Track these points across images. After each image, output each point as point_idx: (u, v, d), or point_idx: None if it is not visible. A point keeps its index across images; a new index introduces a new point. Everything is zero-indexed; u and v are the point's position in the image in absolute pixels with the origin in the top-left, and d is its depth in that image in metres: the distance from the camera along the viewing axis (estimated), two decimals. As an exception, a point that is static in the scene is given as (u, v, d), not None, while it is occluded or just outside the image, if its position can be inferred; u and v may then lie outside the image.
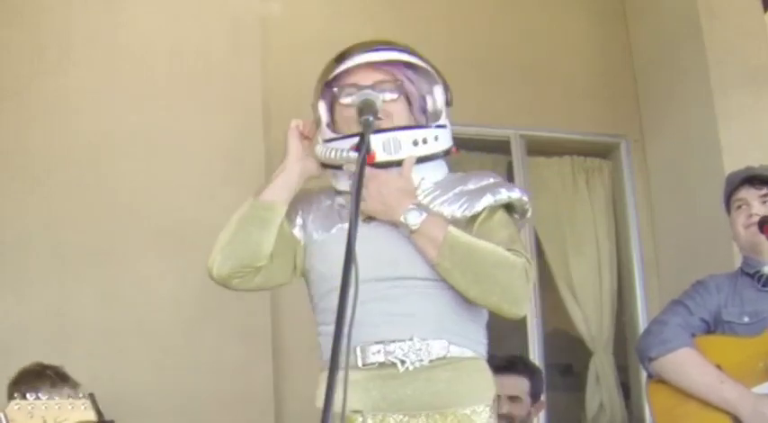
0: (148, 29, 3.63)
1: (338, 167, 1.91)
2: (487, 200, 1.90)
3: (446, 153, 1.97)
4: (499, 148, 4.22)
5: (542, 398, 3.30)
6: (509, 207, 1.96)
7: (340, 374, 1.61)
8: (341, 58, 1.97)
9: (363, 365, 1.79)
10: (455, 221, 1.87)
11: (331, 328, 1.80)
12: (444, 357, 1.80)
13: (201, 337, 3.36)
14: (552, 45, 4.29)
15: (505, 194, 1.93)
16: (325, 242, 1.92)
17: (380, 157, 1.84)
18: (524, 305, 1.86)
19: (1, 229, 3.31)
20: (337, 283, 1.76)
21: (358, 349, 1.80)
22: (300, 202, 2.01)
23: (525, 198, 1.97)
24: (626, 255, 4.26)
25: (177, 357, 3.31)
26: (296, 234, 1.97)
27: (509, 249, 1.85)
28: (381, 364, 1.79)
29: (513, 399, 3.15)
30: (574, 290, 4.21)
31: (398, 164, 1.87)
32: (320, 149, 1.92)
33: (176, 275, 3.39)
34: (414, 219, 1.81)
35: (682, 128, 4.00)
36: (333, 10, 3.99)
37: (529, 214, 2.01)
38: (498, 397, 3.16)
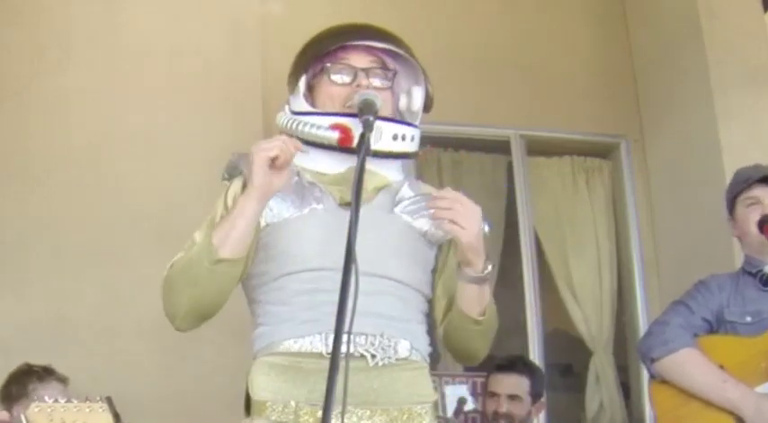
0: (148, 29, 3.63)
1: (308, 143, 1.80)
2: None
3: (412, 156, 1.92)
4: (499, 148, 4.22)
5: (543, 399, 3.30)
6: None
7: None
8: (337, 34, 1.96)
9: (328, 354, 1.70)
10: (426, 237, 1.85)
11: (285, 309, 1.83)
12: (407, 359, 1.79)
13: (201, 337, 3.35)
14: (552, 45, 4.29)
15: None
16: (297, 221, 1.81)
17: (358, 140, 1.72)
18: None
19: (1, 229, 3.31)
20: (311, 265, 1.77)
21: (324, 336, 1.75)
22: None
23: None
24: (626, 255, 4.26)
25: (177, 357, 3.31)
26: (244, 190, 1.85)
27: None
28: (348, 355, 1.67)
29: (512, 397, 3.16)
30: (574, 290, 4.21)
31: (374, 153, 1.76)
32: (288, 120, 1.84)
33: (176, 275, 3.39)
34: (489, 269, 1.80)
35: (682, 128, 4.00)
36: (333, 10, 3.99)
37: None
38: (498, 396, 3.20)
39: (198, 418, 3.25)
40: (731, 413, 2.34)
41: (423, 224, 1.85)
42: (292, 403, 1.75)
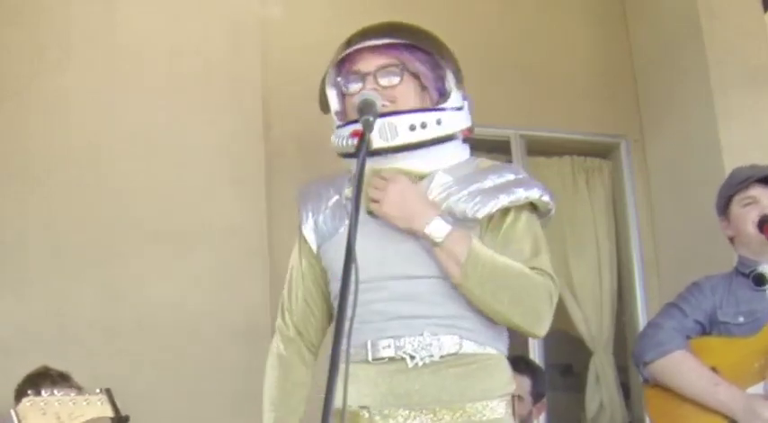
0: (148, 29, 3.63)
1: (346, 155, 1.88)
2: (501, 201, 1.84)
3: (452, 137, 1.93)
4: (499, 148, 4.21)
5: (545, 399, 3.32)
6: (533, 205, 1.92)
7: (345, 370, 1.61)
8: (347, 43, 1.94)
9: (373, 360, 1.77)
10: (467, 221, 1.81)
11: (355, 325, 1.83)
12: (456, 353, 1.77)
13: (201, 337, 3.36)
14: (552, 45, 4.29)
15: (522, 195, 1.88)
16: (337, 242, 1.87)
17: (377, 143, 1.78)
18: (545, 326, 1.86)
19: (1, 229, 3.31)
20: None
21: (369, 343, 1.78)
22: (310, 200, 1.98)
23: (546, 197, 1.95)
24: (626, 255, 4.26)
25: (177, 357, 3.31)
26: (306, 235, 1.96)
27: (533, 267, 1.82)
28: (391, 359, 1.76)
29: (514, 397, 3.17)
30: (574, 290, 4.21)
31: (395, 150, 1.81)
32: (333, 138, 1.91)
33: (176, 275, 3.39)
34: (438, 232, 1.76)
35: (682, 128, 4.00)
36: (333, 11, 3.99)
37: (552, 213, 1.98)
38: None
39: (198, 418, 3.25)
40: (724, 416, 2.34)
41: (453, 205, 1.82)
42: (354, 408, 1.76)
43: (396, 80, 1.88)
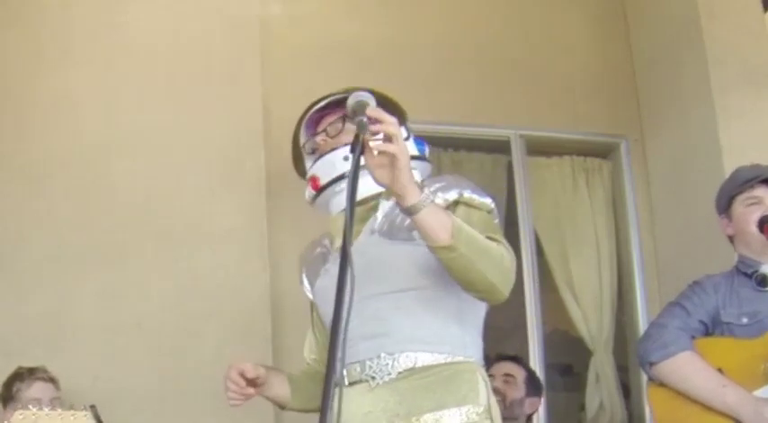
0: (148, 29, 3.63)
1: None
2: (439, 197, 1.90)
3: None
4: (499, 148, 4.21)
5: (538, 401, 3.42)
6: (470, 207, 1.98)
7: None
8: (300, 120, 2.17)
9: (350, 384, 1.88)
10: (414, 236, 1.89)
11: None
12: (412, 368, 1.84)
13: (201, 337, 3.36)
14: (552, 45, 4.28)
15: (457, 192, 1.95)
16: (318, 285, 2.07)
17: (324, 180, 2.02)
18: (509, 291, 1.89)
19: (1, 230, 3.31)
20: (327, 321, 1.98)
21: (345, 371, 1.87)
22: (303, 262, 2.18)
23: (469, 193, 1.96)
24: (626, 255, 4.25)
25: (177, 357, 3.31)
26: (306, 290, 2.15)
27: (488, 237, 1.85)
28: (360, 381, 1.88)
29: (507, 377, 3.33)
30: (574, 290, 4.21)
31: (337, 180, 1.98)
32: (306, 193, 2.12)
33: (176, 275, 3.39)
34: (426, 197, 1.74)
35: (682, 128, 4.00)
36: (332, 10, 3.99)
37: (494, 209, 2.01)
38: (493, 376, 3.29)
39: (198, 418, 3.25)
40: (730, 417, 2.33)
41: (402, 219, 1.89)
42: None
43: (339, 127, 2.05)
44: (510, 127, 4.17)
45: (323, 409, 1.50)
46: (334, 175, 2.00)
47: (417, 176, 1.98)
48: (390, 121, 1.68)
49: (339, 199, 2.01)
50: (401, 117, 2.07)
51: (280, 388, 2.09)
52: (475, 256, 1.78)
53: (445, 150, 4.19)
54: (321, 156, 2.05)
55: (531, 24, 4.28)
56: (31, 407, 1.74)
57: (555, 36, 4.30)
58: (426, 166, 2.13)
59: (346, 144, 1.86)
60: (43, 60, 3.50)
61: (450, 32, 4.12)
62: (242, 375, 1.99)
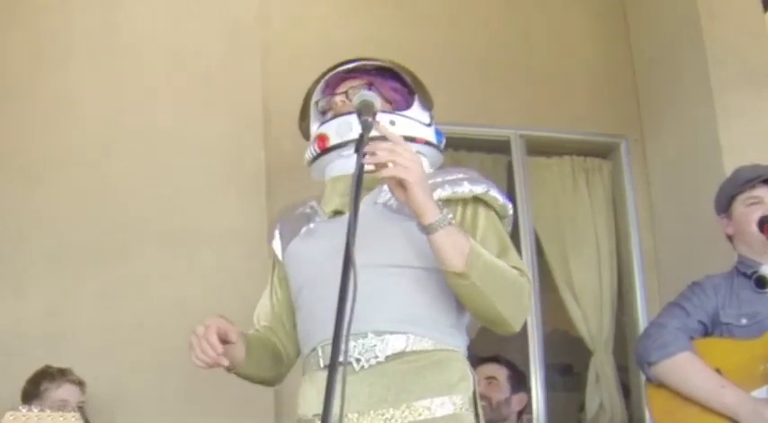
0: (148, 29, 3.63)
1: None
2: (445, 191, 1.84)
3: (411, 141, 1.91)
4: (499, 148, 4.21)
5: (525, 395, 3.44)
6: (488, 205, 1.90)
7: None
8: (320, 78, 2.06)
9: (325, 366, 1.74)
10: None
11: (300, 328, 1.90)
12: (402, 351, 1.75)
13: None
14: (552, 45, 4.28)
15: (467, 188, 1.87)
16: (295, 244, 1.95)
17: (333, 140, 1.91)
18: (521, 324, 1.86)
19: (1, 230, 3.31)
20: (302, 280, 1.88)
21: (320, 349, 1.80)
22: (279, 219, 2.07)
23: (494, 193, 1.90)
24: (626, 255, 4.25)
25: (177, 358, 3.29)
26: (275, 247, 2.04)
27: (513, 266, 1.79)
28: (340, 364, 1.69)
29: (489, 379, 3.32)
30: (574, 290, 4.21)
31: (351, 143, 1.84)
32: (308, 152, 2.01)
33: (176, 275, 3.39)
34: (444, 217, 1.68)
35: (682, 128, 4.00)
36: (333, 10, 3.99)
37: (510, 213, 1.95)
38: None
39: (198, 419, 3.25)
40: (729, 418, 2.33)
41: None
42: (308, 417, 1.81)
43: (363, 81, 2.00)
44: (510, 127, 4.17)
45: (327, 398, 1.44)
46: (347, 137, 1.88)
47: (427, 166, 1.93)
48: (388, 147, 1.63)
49: (343, 163, 1.89)
50: (426, 102, 2.06)
51: (238, 349, 1.89)
52: (489, 287, 1.72)
53: (445, 150, 4.18)
54: (337, 116, 1.95)
55: (531, 24, 4.28)
56: (21, 408, 1.75)
57: (555, 36, 4.30)
58: (438, 157, 2.07)
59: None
60: (43, 60, 3.50)
61: (451, 33, 4.12)
62: (224, 339, 1.79)
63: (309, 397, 1.83)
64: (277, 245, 2.03)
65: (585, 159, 4.36)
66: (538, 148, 4.28)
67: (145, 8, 3.65)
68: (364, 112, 1.71)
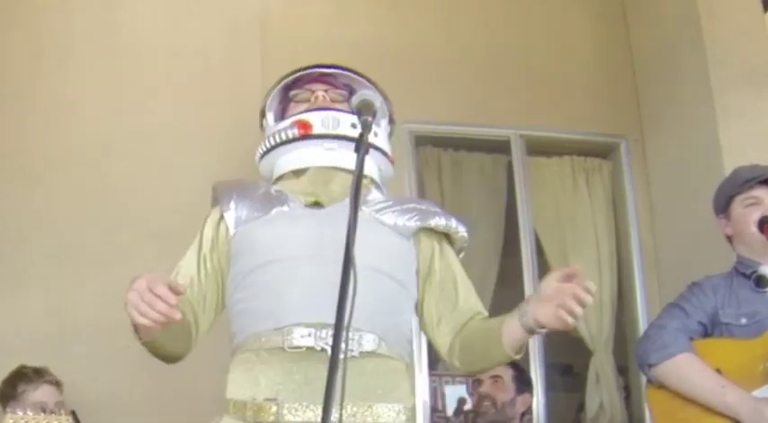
0: (148, 29, 3.64)
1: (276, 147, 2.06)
2: (439, 221, 1.98)
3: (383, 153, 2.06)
4: (499, 148, 4.22)
5: (530, 397, 3.44)
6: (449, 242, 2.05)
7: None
8: (297, 70, 2.13)
9: (289, 348, 1.76)
10: (397, 229, 1.92)
11: (256, 304, 1.87)
12: (374, 351, 1.80)
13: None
14: (552, 45, 4.29)
15: (453, 223, 2.02)
16: (262, 222, 1.94)
17: (318, 130, 1.97)
18: None
19: (1, 230, 3.31)
20: (272, 256, 1.86)
21: (285, 330, 1.78)
22: (235, 189, 2.07)
23: (464, 234, 2.06)
24: (626, 255, 4.25)
25: (177, 357, 3.30)
26: (227, 220, 2.01)
27: (483, 316, 2.01)
28: (309, 349, 1.75)
29: (494, 379, 3.33)
30: (574, 290, 4.20)
31: (335, 137, 1.95)
32: (260, 147, 2.11)
33: (176, 275, 3.39)
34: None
35: (682, 128, 4.00)
36: (333, 10, 3.99)
37: (463, 250, 2.10)
38: (482, 380, 3.29)
39: (197, 419, 3.24)
40: (730, 418, 2.33)
41: (389, 218, 1.93)
42: (259, 401, 1.79)
43: (343, 100, 2.08)
44: (510, 127, 4.17)
45: (328, 387, 1.44)
46: (335, 132, 1.98)
47: (387, 170, 2.09)
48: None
49: (328, 155, 1.98)
50: (392, 115, 2.14)
51: None
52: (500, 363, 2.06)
53: (445, 150, 4.19)
54: (322, 108, 2.03)
55: (531, 24, 4.28)
56: (18, 411, 1.80)
57: (555, 36, 4.30)
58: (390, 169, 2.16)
59: (350, 112, 1.93)
60: (43, 60, 3.50)
61: (451, 33, 4.12)
62: (174, 290, 1.66)
63: (262, 378, 1.81)
64: (231, 218, 2.00)
65: (585, 159, 4.36)
66: (538, 148, 4.28)
67: (145, 8, 3.65)
68: (364, 111, 1.73)
